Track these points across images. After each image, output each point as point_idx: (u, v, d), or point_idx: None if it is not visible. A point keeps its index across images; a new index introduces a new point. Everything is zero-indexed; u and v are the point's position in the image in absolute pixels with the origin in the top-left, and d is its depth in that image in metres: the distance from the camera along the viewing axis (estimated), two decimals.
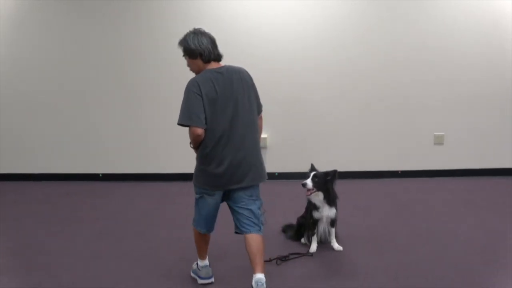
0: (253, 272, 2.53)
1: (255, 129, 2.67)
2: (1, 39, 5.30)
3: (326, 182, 3.04)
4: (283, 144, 5.34)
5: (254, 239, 2.61)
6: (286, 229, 3.49)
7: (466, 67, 5.21)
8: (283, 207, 4.07)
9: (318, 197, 3.07)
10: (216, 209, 2.69)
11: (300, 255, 3.02)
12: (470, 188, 4.83)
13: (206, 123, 2.50)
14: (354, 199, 4.40)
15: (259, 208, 2.71)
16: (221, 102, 2.52)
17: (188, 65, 2.65)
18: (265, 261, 2.89)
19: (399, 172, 5.37)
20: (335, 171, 3.06)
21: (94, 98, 5.37)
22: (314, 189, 3.02)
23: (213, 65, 2.62)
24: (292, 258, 2.97)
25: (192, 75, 2.67)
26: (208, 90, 2.51)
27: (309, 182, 3.01)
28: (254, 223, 2.65)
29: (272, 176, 5.34)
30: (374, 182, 5.19)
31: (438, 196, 4.54)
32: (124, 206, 4.38)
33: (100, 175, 5.46)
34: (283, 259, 2.94)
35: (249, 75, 2.71)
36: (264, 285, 2.48)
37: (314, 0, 5.11)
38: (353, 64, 5.22)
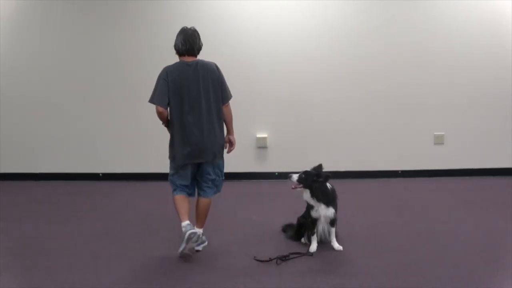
0: (196, 225, 3.17)
1: (217, 114, 3.16)
2: (3, 41, 5.31)
3: (314, 181, 3.07)
4: (283, 144, 5.34)
5: (204, 201, 3.21)
6: (286, 228, 3.49)
7: (466, 67, 5.22)
8: (283, 207, 4.08)
9: (306, 194, 3.12)
10: (192, 177, 3.21)
11: (300, 254, 3.02)
12: (470, 188, 4.84)
13: (169, 105, 3.09)
14: (354, 199, 4.40)
15: (218, 177, 3.26)
16: (184, 90, 3.06)
17: None
18: (266, 260, 2.91)
19: (399, 172, 5.37)
20: (327, 176, 3.08)
21: (94, 99, 5.38)
22: (301, 185, 3.09)
23: (187, 58, 3.13)
24: (292, 258, 2.97)
25: None
26: (174, 78, 3.08)
27: (294, 176, 3.11)
28: (212, 189, 3.23)
29: (272, 176, 5.36)
30: (374, 182, 5.20)
31: (438, 196, 4.54)
32: (124, 206, 4.38)
33: (100, 174, 5.47)
34: (283, 258, 2.94)
35: (217, 69, 3.18)
36: (200, 236, 3.09)
37: (315, 1, 5.13)
38: (354, 65, 5.22)
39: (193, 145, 3.09)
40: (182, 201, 3.16)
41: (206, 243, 3.27)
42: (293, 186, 3.12)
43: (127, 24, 5.24)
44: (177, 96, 3.07)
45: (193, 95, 3.07)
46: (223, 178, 3.31)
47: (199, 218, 3.21)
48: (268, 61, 5.21)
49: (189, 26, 3.22)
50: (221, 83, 3.18)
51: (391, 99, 5.27)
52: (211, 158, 3.15)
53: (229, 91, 3.25)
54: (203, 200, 3.22)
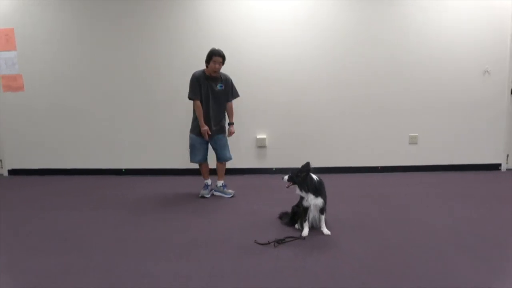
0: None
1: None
2: (47, 58, 5.33)
3: (297, 177, 3.12)
4: (280, 144, 5.35)
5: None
6: (282, 216, 3.50)
7: (436, 78, 5.25)
8: (280, 198, 4.09)
9: (297, 189, 3.16)
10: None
11: (294, 238, 3.03)
12: (441, 181, 4.84)
13: None
14: (340, 190, 4.41)
15: None
16: None
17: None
18: (264, 243, 2.91)
19: (379, 168, 5.38)
20: (307, 170, 3.10)
21: (119, 105, 5.41)
22: (291, 183, 3.17)
23: None
24: (287, 241, 2.98)
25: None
26: None
27: (285, 177, 3.19)
28: None
29: (270, 171, 5.37)
30: (358, 176, 5.20)
31: (412, 188, 4.54)
32: (144, 196, 4.39)
33: (123, 170, 5.48)
34: (280, 241, 2.95)
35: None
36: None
37: (305, 24, 5.13)
38: (340, 76, 5.23)
39: None
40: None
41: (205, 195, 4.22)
42: (286, 186, 3.20)
43: (147, 38, 5.25)
44: None
45: None
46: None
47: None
48: (267, 73, 5.23)
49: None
50: None
51: (372, 105, 5.28)
52: None
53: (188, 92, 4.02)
54: None
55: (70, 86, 5.40)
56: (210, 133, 4.05)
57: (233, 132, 4.19)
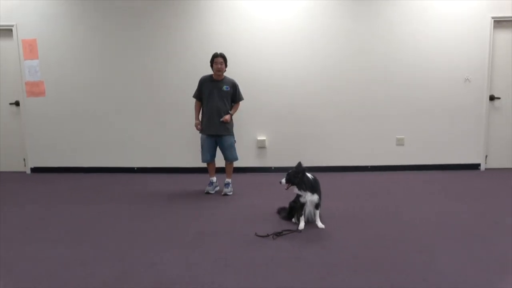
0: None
1: None
2: (68, 71, 5.32)
3: (295, 178, 3.08)
4: (278, 145, 5.34)
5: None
6: (280, 211, 3.48)
7: (421, 86, 5.23)
8: (278, 194, 4.07)
9: (295, 188, 3.12)
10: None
11: (291, 231, 3.01)
12: (425, 179, 4.83)
13: None
14: (333, 188, 4.40)
15: None
16: None
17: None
18: (264, 236, 2.89)
19: (369, 167, 5.36)
20: (303, 170, 3.07)
21: (132, 109, 5.39)
22: (289, 184, 3.11)
23: None
24: (285, 234, 2.96)
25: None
26: None
27: (283, 180, 3.12)
28: None
29: (270, 169, 5.35)
30: (349, 174, 5.18)
31: (399, 186, 4.53)
32: (154, 192, 4.38)
33: (135, 168, 5.47)
34: (278, 234, 2.94)
35: None
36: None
37: (300, 35, 5.13)
38: (335, 82, 5.22)
39: None
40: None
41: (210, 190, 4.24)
42: (285, 188, 3.14)
43: (158, 48, 5.25)
44: None
45: None
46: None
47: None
48: (267, 81, 5.22)
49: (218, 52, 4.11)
50: None
51: (362, 109, 5.27)
52: None
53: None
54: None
55: (87, 91, 5.40)
56: (199, 128, 4.16)
57: (226, 119, 4.06)
